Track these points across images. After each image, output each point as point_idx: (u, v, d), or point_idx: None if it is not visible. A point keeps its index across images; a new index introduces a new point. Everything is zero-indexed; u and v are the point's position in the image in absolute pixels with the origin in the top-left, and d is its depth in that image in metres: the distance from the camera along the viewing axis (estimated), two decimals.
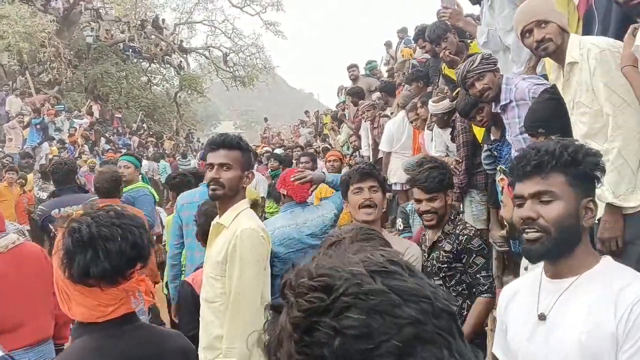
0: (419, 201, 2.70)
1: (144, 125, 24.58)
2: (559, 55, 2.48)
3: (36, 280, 2.57)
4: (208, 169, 2.44)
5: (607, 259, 1.44)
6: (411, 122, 5.54)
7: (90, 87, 23.76)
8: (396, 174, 5.81)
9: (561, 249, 1.40)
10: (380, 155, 6.41)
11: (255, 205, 3.83)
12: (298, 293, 0.60)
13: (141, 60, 27.49)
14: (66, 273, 1.38)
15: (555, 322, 1.38)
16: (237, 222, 2.39)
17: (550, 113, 2.67)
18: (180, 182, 4.71)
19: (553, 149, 1.40)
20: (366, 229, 1.69)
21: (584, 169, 1.40)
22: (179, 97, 28.52)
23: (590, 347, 1.30)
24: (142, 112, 24.52)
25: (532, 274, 1.58)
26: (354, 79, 9.44)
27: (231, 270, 2.31)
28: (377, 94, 7.74)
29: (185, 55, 28.31)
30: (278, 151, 11.37)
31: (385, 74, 11.01)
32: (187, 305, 3.02)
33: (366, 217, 2.51)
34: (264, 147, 15.68)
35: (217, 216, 2.51)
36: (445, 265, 2.65)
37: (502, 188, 3.12)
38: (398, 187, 5.89)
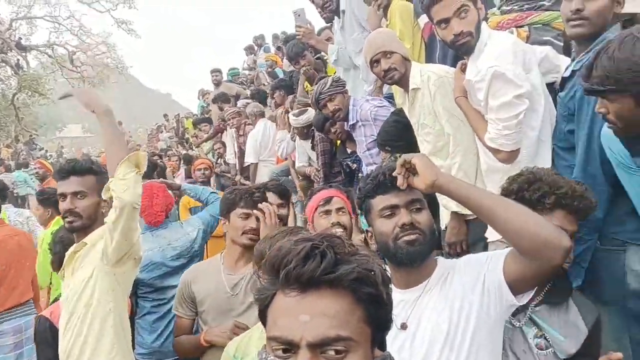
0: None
1: None
2: (403, 81, 2.78)
3: None
4: (61, 200, 2.31)
5: (441, 259, 1.66)
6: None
7: None
8: None
9: (430, 250, 1.58)
10: (246, 164, 6.47)
11: None
12: None
13: None
14: None
15: (417, 326, 1.54)
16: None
17: (394, 135, 3.00)
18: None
19: None
20: None
21: None
22: (17, 99, 25.78)
23: (454, 329, 1.48)
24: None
25: None
26: (217, 84, 9.41)
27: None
28: (244, 101, 7.79)
29: (24, 54, 25.65)
30: None
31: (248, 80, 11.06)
32: (47, 341, 2.82)
33: None
34: None
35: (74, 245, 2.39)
36: None
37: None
38: None
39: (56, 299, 3.01)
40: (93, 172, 2.34)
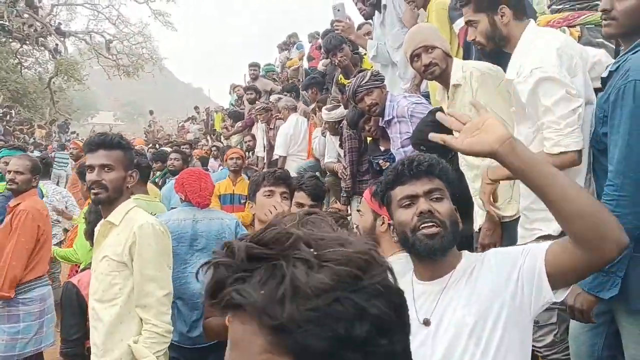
0: (300, 205, 2.70)
1: (12, 111, 22.40)
2: (443, 77, 2.74)
3: None
4: (88, 171, 2.37)
5: (467, 252, 1.61)
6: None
7: None
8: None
9: (452, 243, 1.54)
10: (275, 157, 6.49)
11: None
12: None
13: (11, 40, 25.01)
14: None
15: (441, 320, 1.49)
16: (130, 219, 2.36)
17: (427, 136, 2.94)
18: None
19: (433, 157, 1.63)
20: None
21: (452, 177, 1.64)
22: (54, 83, 26.36)
23: (481, 323, 1.42)
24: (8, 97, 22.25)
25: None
26: (254, 78, 9.52)
27: (135, 267, 2.33)
28: (276, 95, 7.84)
29: (63, 39, 26.22)
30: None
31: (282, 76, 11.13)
32: (72, 307, 2.88)
33: None
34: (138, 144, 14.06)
35: (102, 219, 2.45)
36: None
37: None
38: None
39: (85, 269, 3.06)
40: (121, 147, 2.40)
